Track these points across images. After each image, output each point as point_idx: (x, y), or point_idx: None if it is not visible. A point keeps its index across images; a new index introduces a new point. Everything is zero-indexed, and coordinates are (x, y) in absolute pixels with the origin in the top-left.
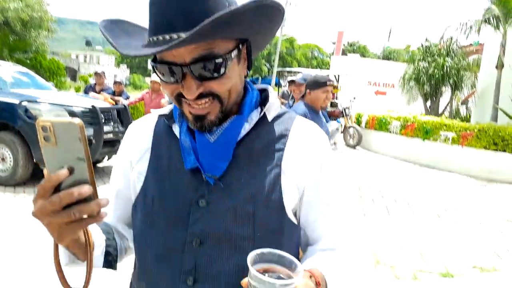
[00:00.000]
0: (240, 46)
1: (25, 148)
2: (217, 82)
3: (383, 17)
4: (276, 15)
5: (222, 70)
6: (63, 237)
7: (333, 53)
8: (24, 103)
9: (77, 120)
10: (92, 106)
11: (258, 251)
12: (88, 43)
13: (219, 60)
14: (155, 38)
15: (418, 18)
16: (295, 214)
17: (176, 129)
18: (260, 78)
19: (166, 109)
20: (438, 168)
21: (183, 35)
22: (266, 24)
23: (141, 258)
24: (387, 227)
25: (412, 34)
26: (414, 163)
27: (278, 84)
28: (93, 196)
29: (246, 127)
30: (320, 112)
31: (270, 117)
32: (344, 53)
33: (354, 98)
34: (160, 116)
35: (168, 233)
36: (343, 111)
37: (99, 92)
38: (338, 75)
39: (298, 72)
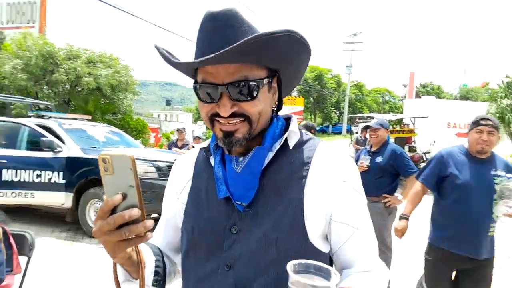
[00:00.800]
0: (271, 77)
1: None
2: (249, 104)
3: (456, 55)
4: (303, 51)
5: (254, 94)
6: (116, 254)
7: (405, 96)
8: None
9: (129, 153)
10: (175, 160)
11: (297, 261)
12: (168, 103)
13: (252, 84)
14: (184, 62)
15: (494, 54)
16: (326, 239)
17: (212, 161)
18: (330, 125)
19: (205, 143)
20: None
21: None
22: (294, 58)
23: (185, 280)
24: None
25: (489, 71)
26: None
27: (350, 131)
28: (141, 218)
29: (270, 156)
30: (496, 158)
31: (291, 145)
32: (417, 95)
33: (434, 141)
34: (201, 149)
35: (207, 258)
36: (423, 156)
37: (181, 147)
38: (414, 119)
39: (370, 118)
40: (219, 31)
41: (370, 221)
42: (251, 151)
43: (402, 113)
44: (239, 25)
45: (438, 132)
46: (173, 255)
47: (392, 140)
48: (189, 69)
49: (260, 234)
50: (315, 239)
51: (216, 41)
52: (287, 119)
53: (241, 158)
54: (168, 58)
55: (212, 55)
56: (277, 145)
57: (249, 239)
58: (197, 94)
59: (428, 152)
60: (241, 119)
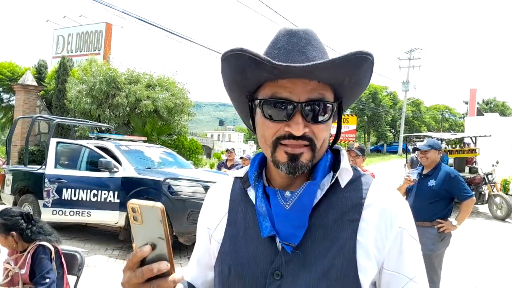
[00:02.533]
0: (336, 104)
1: (167, 222)
2: (319, 127)
3: None
4: (369, 77)
5: (327, 116)
6: None
7: (466, 114)
8: (168, 180)
9: (159, 205)
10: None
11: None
12: (221, 123)
13: (328, 106)
14: (283, 64)
15: None
16: (374, 285)
17: (251, 193)
18: (385, 144)
19: (241, 172)
20: None
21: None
22: (361, 82)
23: None
24: None
25: None
26: None
27: (406, 150)
28: (170, 272)
29: (318, 194)
30: None
31: (343, 183)
32: (479, 112)
33: (497, 162)
34: (236, 179)
35: None
36: (485, 178)
37: (230, 168)
38: (475, 138)
39: (428, 136)
40: (298, 47)
41: (425, 271)
42: (302, 186)
43: (463, 131)
44: (317, 44)
45: (502, 152)
46: None
47: (451, 160)
48: (256, 81)
49: (307, 282)
50: None
51: (294, 57)
52: (336, 152)
53: (287, 193)
54: (258, 56)
55: (310, 63)
56: (326, 183)
57: (294, 286)
58: (262, 111)
59: (491, 174)
60: (306, 143)
